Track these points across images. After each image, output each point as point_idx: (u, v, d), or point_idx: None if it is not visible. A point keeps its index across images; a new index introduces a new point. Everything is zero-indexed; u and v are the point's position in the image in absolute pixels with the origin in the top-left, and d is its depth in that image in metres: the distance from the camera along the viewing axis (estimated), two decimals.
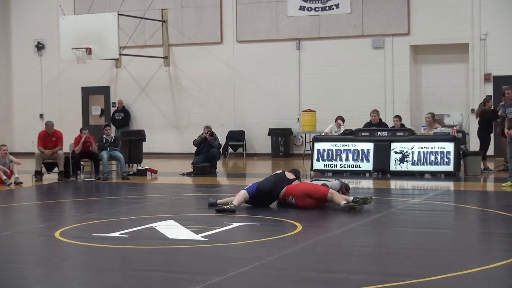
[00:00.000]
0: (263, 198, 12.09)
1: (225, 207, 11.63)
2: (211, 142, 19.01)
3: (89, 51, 22.63)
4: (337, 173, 17.80)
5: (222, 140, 21.83)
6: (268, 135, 24.12)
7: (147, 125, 24.82)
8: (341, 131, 18.76)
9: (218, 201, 12.12)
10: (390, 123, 19.73)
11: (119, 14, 22.96)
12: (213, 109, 25.07)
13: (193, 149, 19.77)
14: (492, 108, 18.59)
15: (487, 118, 18.16)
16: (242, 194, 11.98)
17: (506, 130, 15.02)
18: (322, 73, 23.80)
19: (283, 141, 23.91)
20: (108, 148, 18.29)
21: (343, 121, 19.16)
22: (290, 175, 12.36)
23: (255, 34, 24.56)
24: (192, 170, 18.80)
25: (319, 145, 18.37)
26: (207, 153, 18.96)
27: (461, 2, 22.25)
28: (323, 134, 19.17)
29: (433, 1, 22.58)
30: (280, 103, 24.25)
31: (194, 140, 19.42)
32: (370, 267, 7.80)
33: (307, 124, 23.24)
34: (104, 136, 18.64)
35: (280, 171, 12.62)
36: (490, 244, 9.19)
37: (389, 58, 23.08)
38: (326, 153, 18.18)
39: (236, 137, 24.66)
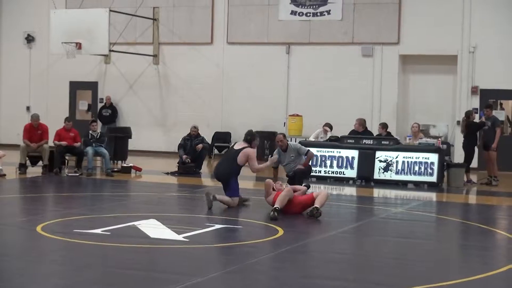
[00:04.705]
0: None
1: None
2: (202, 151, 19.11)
3: (79, 45, 22.57)
4: (321, 179, 17.84)
5: (208, 140, 21.80)
6: None
7: (134, 122, 24.75)
8: (327, 137, 18.80)
9: (217, 196, 12.30)
10: (376, 132, 19.77)
11: (110, 10, 22.92)
12: (200, 109, 25.05)
13: None
14: (475, 120, 18.68)
15: (473, 130, 18.24)
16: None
17: None
18: (310, 78, 23.82)
19: (268, 144, 23.86)
20: (94, 144, 18.27)
21: (331, 128, 19.21)
22: (240, 145, 12.69)
23: (246, 36, 24.58)
24: (176, 169, 18.80)
25: None
26: (193, 153, 18.97)
27: (452, 14, 22.34)
28: (310, 139, 19.19)
29: (424, 12, 22.65)
30: (267, 106, 24.23)
31: (179, 145, 19.21)
32: (349, 274, 7.84)
33: (294, 128, 23.24)
34: (90, 131, 18.61)
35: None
36: (470, 256, 9.25)
37: (378, 66, 23.15)
38: None
39: (222, 138, 24.65)
